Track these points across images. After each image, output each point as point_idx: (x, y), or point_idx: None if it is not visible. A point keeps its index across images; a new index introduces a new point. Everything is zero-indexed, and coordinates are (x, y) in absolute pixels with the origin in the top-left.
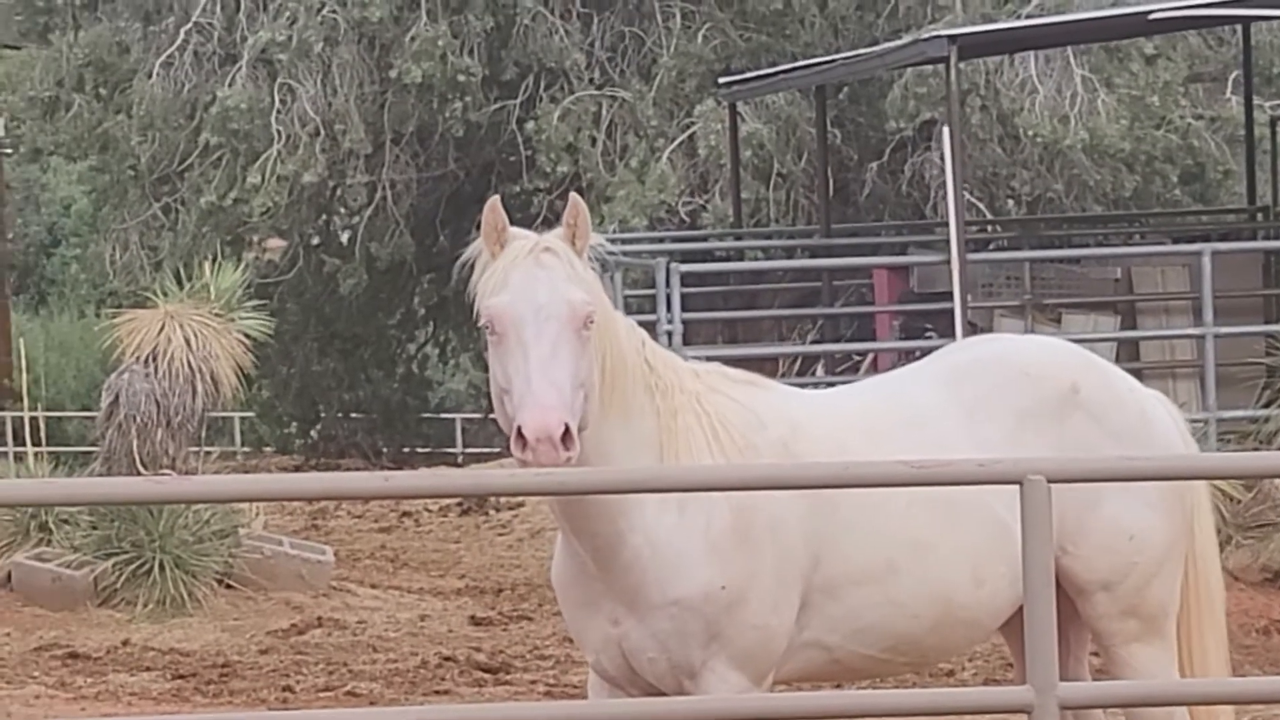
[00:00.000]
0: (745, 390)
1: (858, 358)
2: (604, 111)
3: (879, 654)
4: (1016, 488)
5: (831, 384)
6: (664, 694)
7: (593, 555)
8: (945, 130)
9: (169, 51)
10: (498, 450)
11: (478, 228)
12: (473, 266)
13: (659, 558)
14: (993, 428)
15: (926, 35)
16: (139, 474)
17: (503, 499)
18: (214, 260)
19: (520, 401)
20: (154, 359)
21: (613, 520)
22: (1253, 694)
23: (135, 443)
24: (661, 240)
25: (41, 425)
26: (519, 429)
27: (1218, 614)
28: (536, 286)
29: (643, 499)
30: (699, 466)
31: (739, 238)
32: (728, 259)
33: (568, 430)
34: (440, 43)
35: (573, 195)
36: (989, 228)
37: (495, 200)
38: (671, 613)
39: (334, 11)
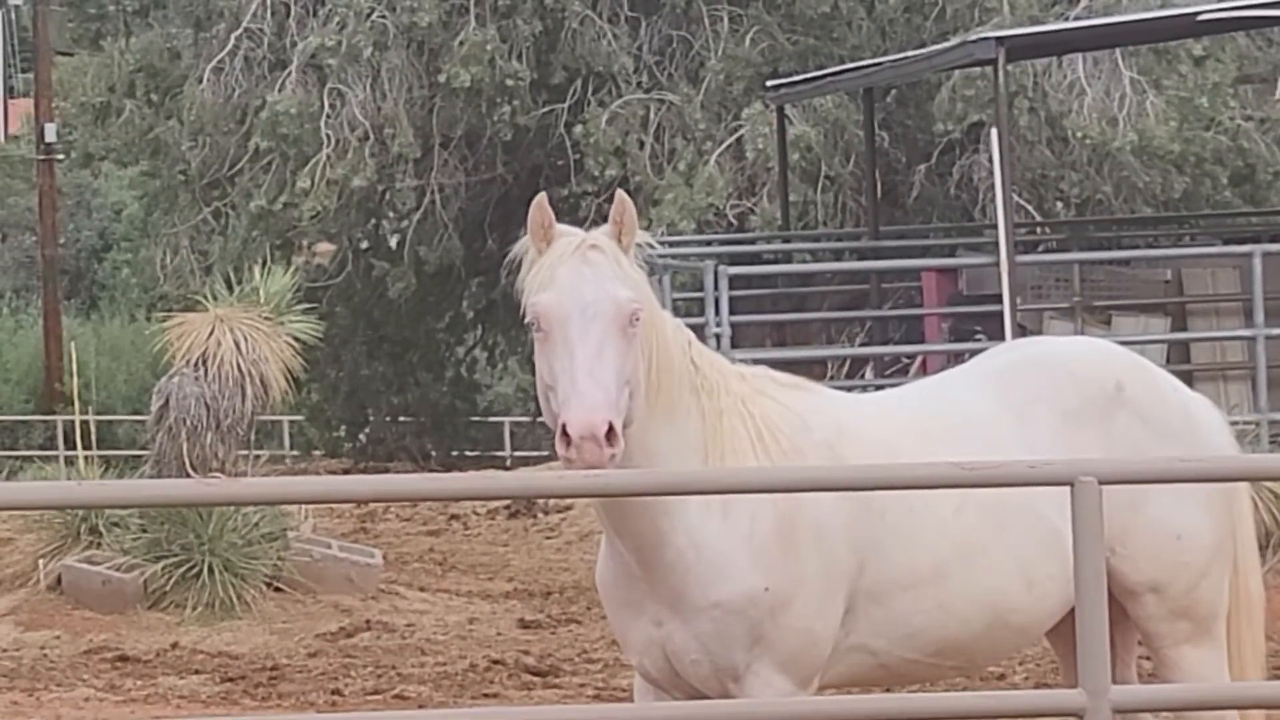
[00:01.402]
0: (791, 394)
1: (906, 360)
2: (652, 115)
3: (926, 658)
4: (1066, 490)
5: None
6: (708, 697)
7: (636, 556)
8: (993, 132)
9: (219, 57)
10: (546, 454)
11: (526, 229)
12: (520, 264)
13: (702, 559)
14: (1040, 429)
15: (974, 37)
16: (189, 477)
17: (551, 502)
18: (264, 264)
19: (565, 399)
20: (204, 363)
21: (655, 521)
22: None
23: (185, 446)
24: (709, 243)
25: (92, 429)
26: (564, 426)
27: (1256, 619)
28: (583, 284)
29: (686, 500)
30: (747, 469)
31: (787, 240)
32: (776, 262)
33: (611, 429)
34: (489, 47)
35: (619, 193)
36: (1038, 230)
37: (541, 197)
38: (714, 615)
39: (383, 16)
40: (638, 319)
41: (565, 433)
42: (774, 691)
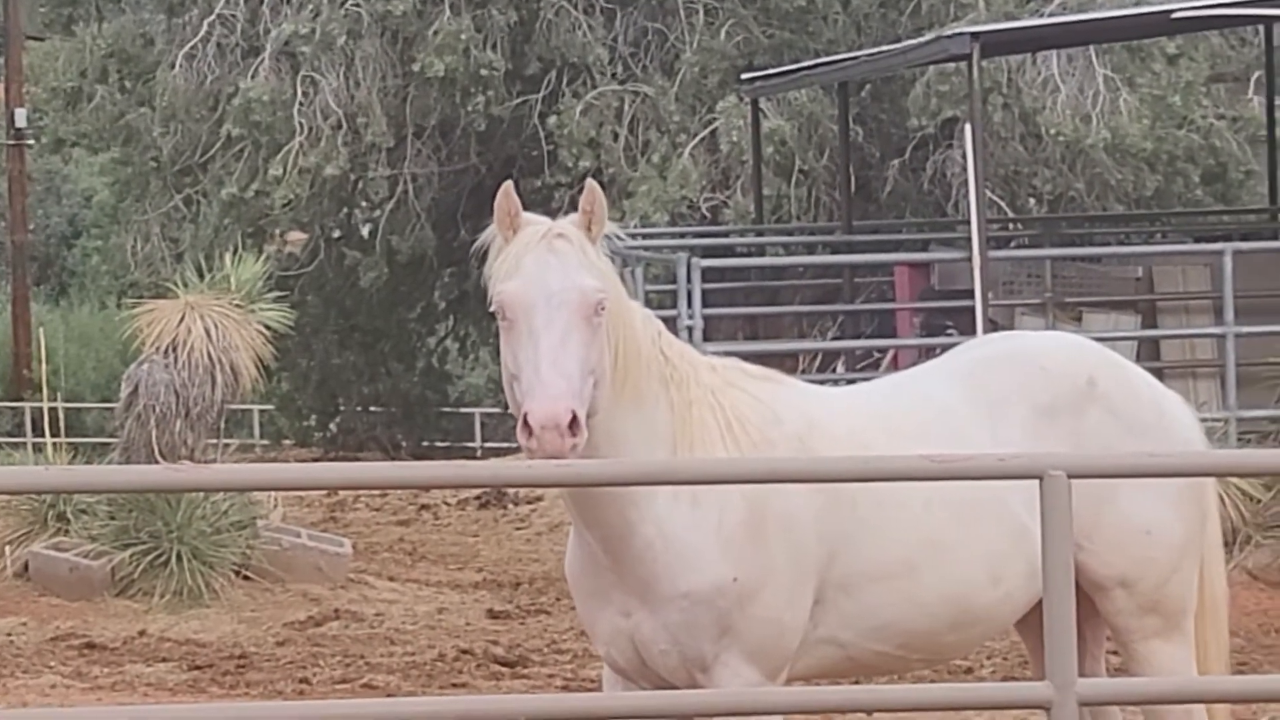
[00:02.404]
0: (762, 386)
1: (878, 354)
2: (626, 107)
3: (894, 651)
4: (1035, 485)
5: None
6: (676, 688)
7: (603, 546)
8: (967, 128)
9: (192, 43)
10: (517, 445)
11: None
12: (487, 252)
13: (670, 550)
14: (1012, 423)
15: (949, 32)
16: (157, 464)
17: (521, 493)
18: (235, 252)
19: (529, 389)
20: (174, 350)
21: (623, 511)
22: (1270, 692)
23: (154, 433)
24: (683, 236)
25: (60, 416)
26: (525, 416)
27: (1220, 616)
28: (548, 273)
29: (655, 490)
30: (718, 459)
31: (760, 234)
32: (749, 255)
33: (574, 418)
34: (463, 36)
35: (589, 182)
36: (1010, 226)
37: (508, 185)
38: (682, 605)
39: (357, 4)
40: (603, 308)
41: (527, 422)
42: (742, 682)
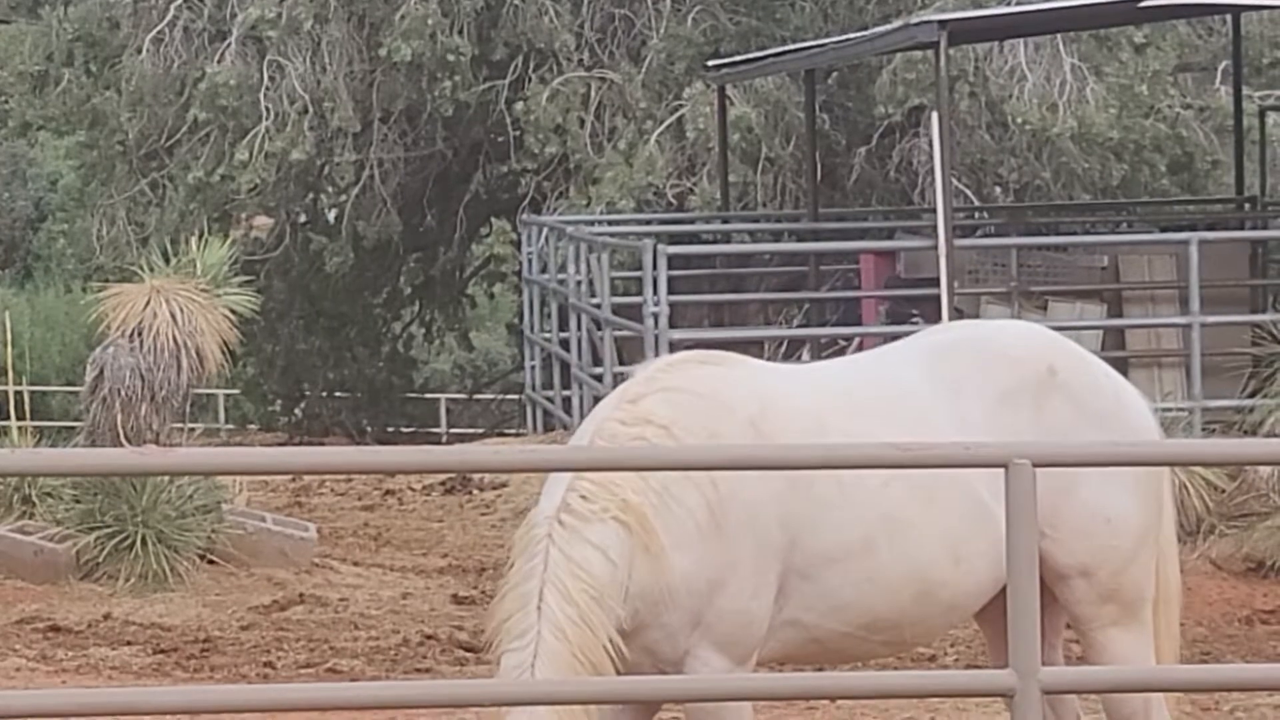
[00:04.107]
0: (710, 375)
1: (843, 342)
2: (593, 93)
3: (856, 632)
4: (998, 471)
5: None
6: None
7: None
8: (934, 116)
9: (159, 28)
10: (481, 430)
11: (465, 208)
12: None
13: None
14: (972, 407)
15: (916, 20)
16: (122, 448)
17: (486, 478)
18: (200, 236)
19: None
20: (139, 334)
21: None
22: (1233, 681)
23: (119, 417)
24: (649, 222)
25: (26, 400)
26: None
27: (1173, 605)
28: None
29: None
30: (683, 446)
31: (726, 221)
32: (714, 242)
33: None
34: (430, 21)
35: None
36: (976, 214)
37: None
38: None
39: None
40: None
41: None
42: (711, 671)
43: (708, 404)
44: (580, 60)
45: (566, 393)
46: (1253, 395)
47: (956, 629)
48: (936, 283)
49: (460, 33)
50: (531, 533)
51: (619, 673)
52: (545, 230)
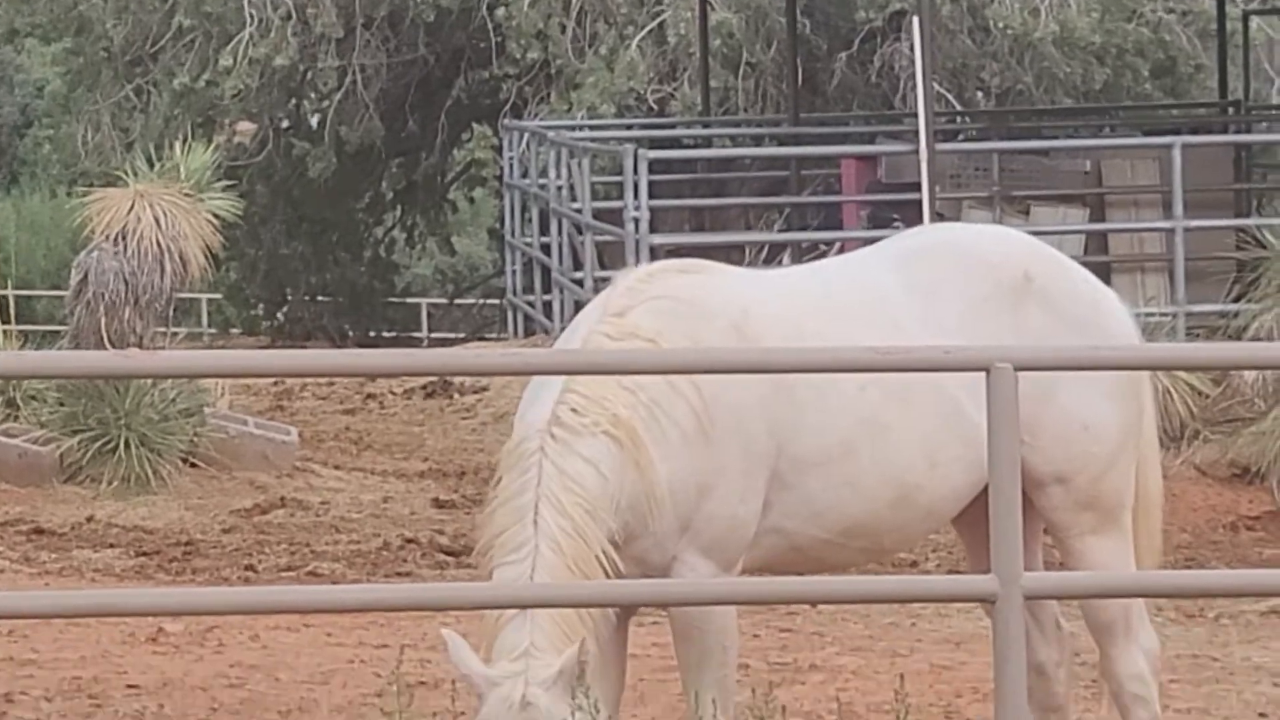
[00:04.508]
0: (691, 283)
1: (824, 247)
2: None
3: (836, 538)
4: (974, 374)
5: None
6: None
7: None
8: (915, 21)
9: None
10: (462, 335)
11: (446, 114)
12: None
13: None
14: (948, 312)
15: None
16: (106, 351)
17: (467, 382)
18: (184, 142)
19: None
20: (123, 238)
21: None
22: (1218, 587)
23: (103, 321)
24: (630, 128)
25: (11, 304)
26: None
27: (1154, 512)
28: None
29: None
30: (668, 350)
31: (707, 126)
32: (695, 147)
33: None
34: None
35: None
36: (958, 119)
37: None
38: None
39: None
40: None
41: None
42: (699, 575)
43: (691, 312)
44: None
45: (547, 297)
46: (1237, 300)
47: (937, 535)
48: (918, 187)
49: None
50: (522, 446)
51: None
52: (526, 135)
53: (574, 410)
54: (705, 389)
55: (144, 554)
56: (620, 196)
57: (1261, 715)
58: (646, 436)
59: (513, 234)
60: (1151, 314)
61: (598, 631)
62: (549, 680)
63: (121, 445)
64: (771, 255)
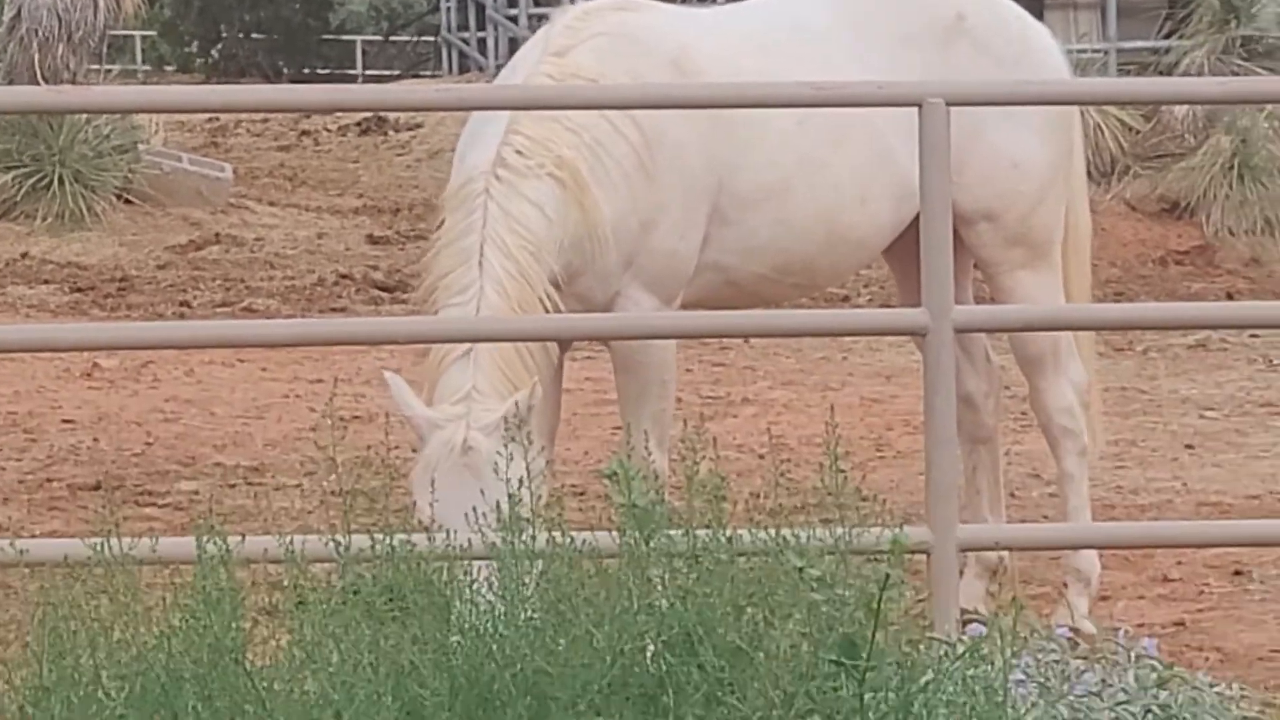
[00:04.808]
0: (628, 20)
1: None
2: None
3: (771, 274)
4: (901, 109)
5: None
6: None
7: None
8: None
9: None
10: (397, 72)
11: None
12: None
13: None
14: (878, 49)
15: None
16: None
17: (401, 119)
18: None
19: None
20: None
21: None
22: (1146, 320)
23: (36, 57)
24: None
25: None
26: None
27: (1083, 248)
28: (463, 497)
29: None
30: (599, 85)
31: None
32: None
33: None
34: None
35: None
36: None
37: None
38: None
39: None
40: None
41: None
42: (640, 310)
43: (632, 50)
44: None
45: (482, 34)
46: (1168, 36)
47: (869, 269)
48: None
49: None
50: (466, 188)
51: None
52: None
53: (518, 152)
54: (647, 127)
55: (79, 290)
56: None
57: (1188, 446)
58: (590, 177)
59: None
60: (1083, 50)
61: (540, 374)
62: (491, 425)
63: (56, 182)
64: None
